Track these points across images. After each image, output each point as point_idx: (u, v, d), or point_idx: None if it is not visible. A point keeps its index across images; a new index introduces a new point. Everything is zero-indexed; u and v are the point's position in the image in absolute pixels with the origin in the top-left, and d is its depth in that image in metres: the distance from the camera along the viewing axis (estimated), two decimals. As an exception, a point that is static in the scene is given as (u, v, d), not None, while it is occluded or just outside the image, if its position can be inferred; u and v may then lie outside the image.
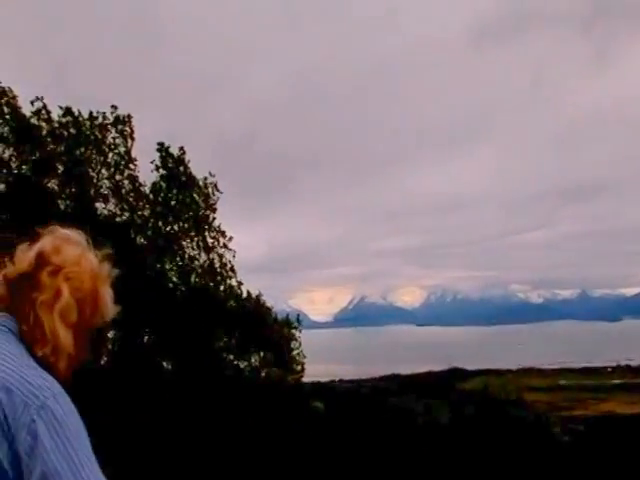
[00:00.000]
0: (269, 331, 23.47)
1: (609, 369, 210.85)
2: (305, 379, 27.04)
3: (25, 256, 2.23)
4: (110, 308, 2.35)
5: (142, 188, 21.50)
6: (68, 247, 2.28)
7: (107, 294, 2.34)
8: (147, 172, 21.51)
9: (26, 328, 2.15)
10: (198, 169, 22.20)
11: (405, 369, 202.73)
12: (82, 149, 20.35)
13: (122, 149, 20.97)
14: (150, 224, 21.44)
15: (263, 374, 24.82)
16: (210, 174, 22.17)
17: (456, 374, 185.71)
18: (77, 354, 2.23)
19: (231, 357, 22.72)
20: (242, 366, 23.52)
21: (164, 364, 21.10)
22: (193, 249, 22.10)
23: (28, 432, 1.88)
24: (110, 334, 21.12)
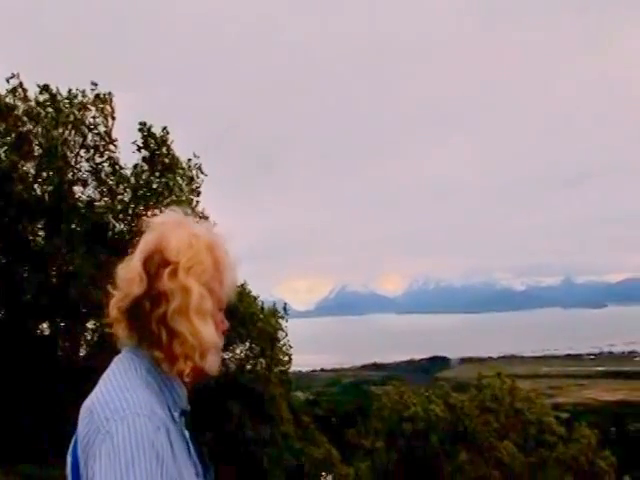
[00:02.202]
0: (255, 321, 22.94)
1: (591, 356, 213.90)
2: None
3: (130, 274, 1.98)
4: (233, 268, 2.12)
5: (123, 171, 20.71)
6: (172, 234, 2.02)
7: (225, 256, 2.09)
8: (128, 153, 20.66)
9: (161, 354, 1.97)
10: (182, 150, 21.45)
11: (387, 357, 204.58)
12: (60, 130, 19.60)
13: (102, 129, 20.25)
14: (131, 209, 20.59)
15: (249, 367, 24.28)
16: (194, 155, 21.38)
17: (438, 362, 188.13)
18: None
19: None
20: (226, 357, 22.96)
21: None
22: (175, 235, 21.26)
23: (92, 458, 1.79)
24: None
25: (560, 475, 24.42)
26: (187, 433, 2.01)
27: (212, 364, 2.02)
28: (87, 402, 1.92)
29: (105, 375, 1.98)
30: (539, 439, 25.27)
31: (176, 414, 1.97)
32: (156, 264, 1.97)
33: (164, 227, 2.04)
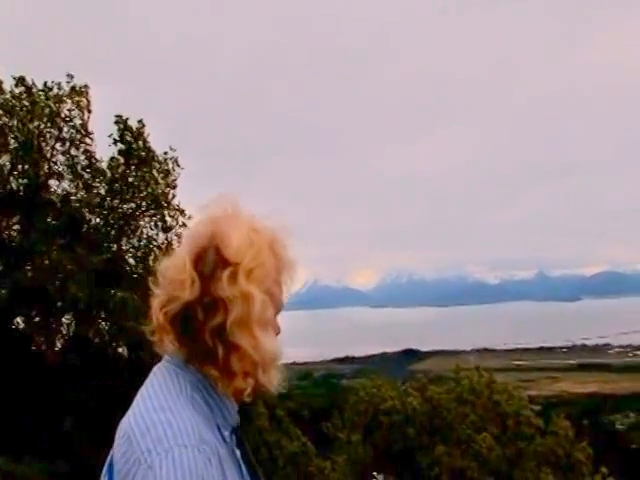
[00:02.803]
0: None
1: (564, 349, 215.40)
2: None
3: (179, 275, 1.67)
4: (293, 266, 1.86)
5: (99, 164, 20.58)
6: (231, 228, 1.71)
7: (285, 254, 1.83)
8: (104, 147, 20.47)
9: (217, 372, 1.70)
10: (158, 143, 21.27)
11: (359, 351, 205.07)
12: (36, 122, 19.44)
13: (78, 122, 20.08)
14: (107, 203, 20.46)
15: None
16: (171, 148, 21.23)
17: (410, 355, 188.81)
18: None
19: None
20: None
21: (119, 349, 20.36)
22: (151, 229, 21.19)
23: None
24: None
25: (537, 467, 24.50)
26: (238, 452, 1.76)
27: (274, 380, 1.76)
28: (124, 423, 1.67)
29: (144, 390, 1.73)
30: (517, 431, 25.35)
31: (226, 433, 1.72)
32: (211, 264, 1.67)
33: (219, 218, 1.74)
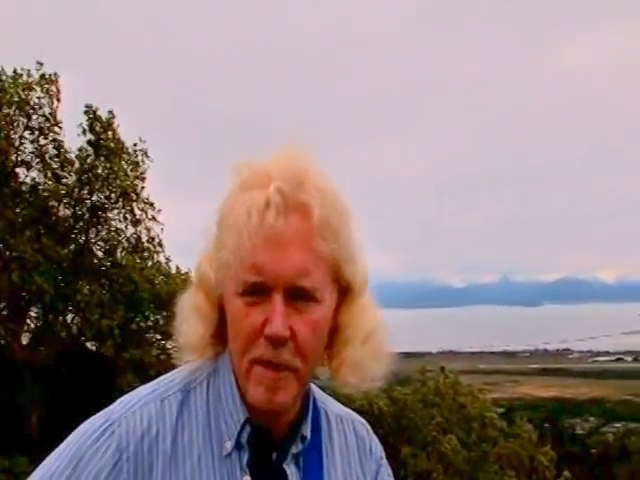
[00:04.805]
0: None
1: (526, 353, 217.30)
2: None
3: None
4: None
5: (68, 154, 20.30)
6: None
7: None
8: (73, 136, 20.27)
9: None
10: (128, 135, 21.14)
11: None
12: (5, 110, 19.13)
13: (47, 110, 19.81)
14: (75, 193, 20.17)
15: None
16: (140, 140, 21.07)
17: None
18: None
19: (158, 337, 21.71)
20: (169, 347, 22.65)
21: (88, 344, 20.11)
22: (120, 221, 20.96)
23: None
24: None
25: (501, 469, 24.62)
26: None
27: None
28: None
29: None
30: (481, 434, 25.43)
31: (228, 444, 1.50)
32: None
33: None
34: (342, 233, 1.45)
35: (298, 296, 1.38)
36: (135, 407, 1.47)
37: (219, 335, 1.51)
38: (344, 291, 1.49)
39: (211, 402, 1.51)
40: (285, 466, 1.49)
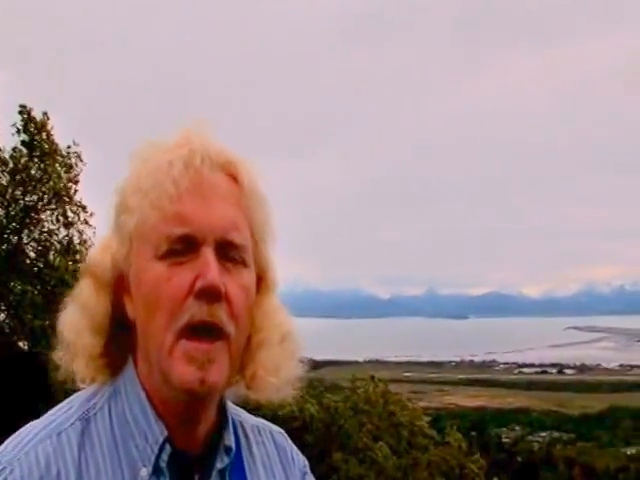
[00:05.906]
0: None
1: (453, 364, 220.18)
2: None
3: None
4: None
5: (1, 154, 20.13)
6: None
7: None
8: (7, 136, 20.07)
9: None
10: (62, 137, 20.85)
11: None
12: None
13: (-20, 108, 19.43)
14: (9, 194, 19.93)
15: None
16: (74, 143, 20.87)
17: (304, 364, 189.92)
18: None
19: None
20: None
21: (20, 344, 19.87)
22: (52, 223, 20.74)
23: None
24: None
25: (431, 477, 24.87)
26: None
27: None
28: None
29: None
30: (411, 441, 25.65)
31: (144, 472, 1.30)
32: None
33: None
34: (265, 210, 1.37)
35: (227, 256, 1.26)
36: (28, 446, 1.27)
37: (114, 343, 1.36)
38: (257, 279, 1.37)
39: (116, 427, 1.33)
40: None
